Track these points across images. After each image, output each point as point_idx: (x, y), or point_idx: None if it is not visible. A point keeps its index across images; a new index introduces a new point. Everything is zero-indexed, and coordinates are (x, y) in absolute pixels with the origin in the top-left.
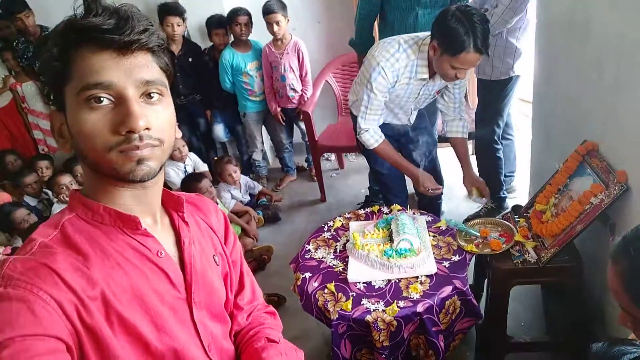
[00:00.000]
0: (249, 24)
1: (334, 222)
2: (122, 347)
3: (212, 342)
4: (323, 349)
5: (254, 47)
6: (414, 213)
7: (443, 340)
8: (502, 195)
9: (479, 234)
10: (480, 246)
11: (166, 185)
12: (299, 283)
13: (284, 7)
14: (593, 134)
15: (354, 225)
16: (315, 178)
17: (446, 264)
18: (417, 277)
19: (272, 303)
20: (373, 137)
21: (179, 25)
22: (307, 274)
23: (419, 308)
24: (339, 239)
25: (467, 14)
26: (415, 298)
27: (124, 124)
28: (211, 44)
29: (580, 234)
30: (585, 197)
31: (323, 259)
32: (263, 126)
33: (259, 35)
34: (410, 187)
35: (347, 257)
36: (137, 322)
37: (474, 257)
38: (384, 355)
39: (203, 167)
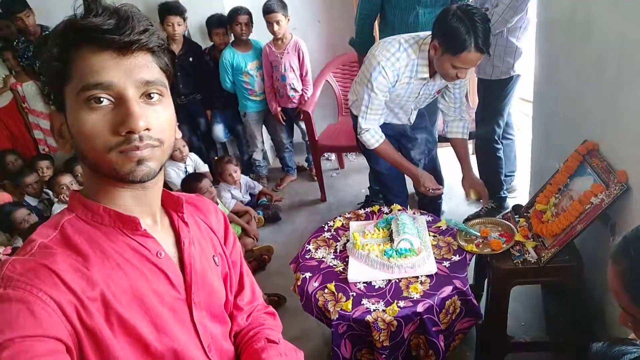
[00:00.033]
0: (250, 23)
1: (334, 222)
2: (122, 348)
3: (211, 342)
4: (323, 349)
5: (254, 47)
6: (414, 213)
7: (443, 340)
8: (503, 195)
9: (479, 234)
10: (480, 246)
11: (167, 185)
12: (299, 283)
13: (284, 6)
14: (593, 134)
15: (354, 225)
16: (316, 178)
17: (446, 263)
18: (417, 277)
19: (272, 303)
20: (374, 137)
21: (179, 25)
22: (307, 274)
23: (419, 308)
24: (339, 238)
25: (468, 13)
26: (415, 298)
27: (124, 124)
28: (211, 43)
29: (581, 234)
30: (585, 197)
31: (323, 259)
32: (263, 126)
33: (260, 34)
34: (410, 187)
35: (347, 257)
36: (136, 323)
37: (474, 257)
38: (384, 355)
39: (204, 168)
